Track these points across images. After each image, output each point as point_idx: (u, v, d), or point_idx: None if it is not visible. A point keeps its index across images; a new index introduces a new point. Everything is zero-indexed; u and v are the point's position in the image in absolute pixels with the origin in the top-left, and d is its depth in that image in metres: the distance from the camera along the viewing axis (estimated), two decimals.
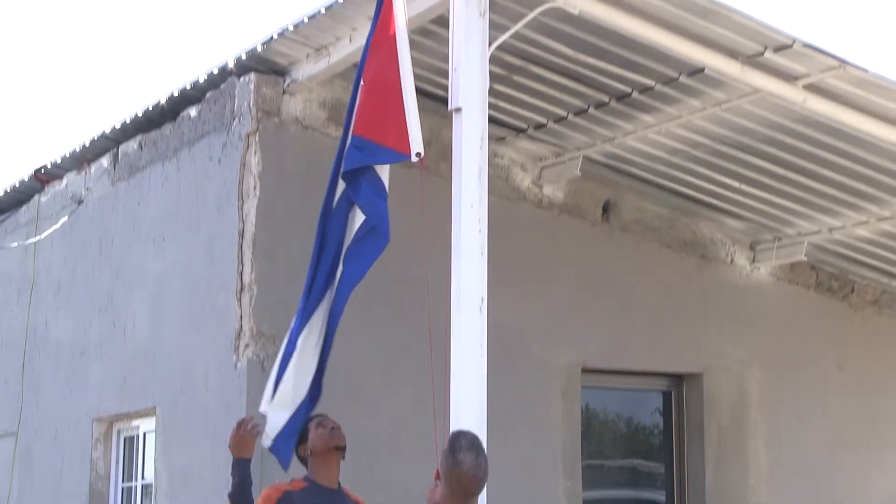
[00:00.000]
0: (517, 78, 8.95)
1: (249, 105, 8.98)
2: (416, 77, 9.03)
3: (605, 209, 10.52)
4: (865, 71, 8.15)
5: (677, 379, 11.07)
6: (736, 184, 10.14)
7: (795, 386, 11.34)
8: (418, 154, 6.98)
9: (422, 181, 7.09)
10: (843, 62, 8.08)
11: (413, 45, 8.54)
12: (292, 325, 7.16)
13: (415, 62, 8.79)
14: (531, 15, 7.71)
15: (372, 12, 7.68)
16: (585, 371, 10.27)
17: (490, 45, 7.30)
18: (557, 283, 10.20)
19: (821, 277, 11.67)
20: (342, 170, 7.17)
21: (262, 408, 7.04)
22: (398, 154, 7.06)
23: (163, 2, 25.31)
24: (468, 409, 6.64)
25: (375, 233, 7.05)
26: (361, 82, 7.29)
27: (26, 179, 11.97)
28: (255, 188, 8.94)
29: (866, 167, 9.54)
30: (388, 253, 7.03)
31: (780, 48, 8.04)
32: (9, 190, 12.32)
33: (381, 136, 7.14)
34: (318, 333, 7.12)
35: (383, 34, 7.31)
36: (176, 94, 9.71)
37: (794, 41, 7.93)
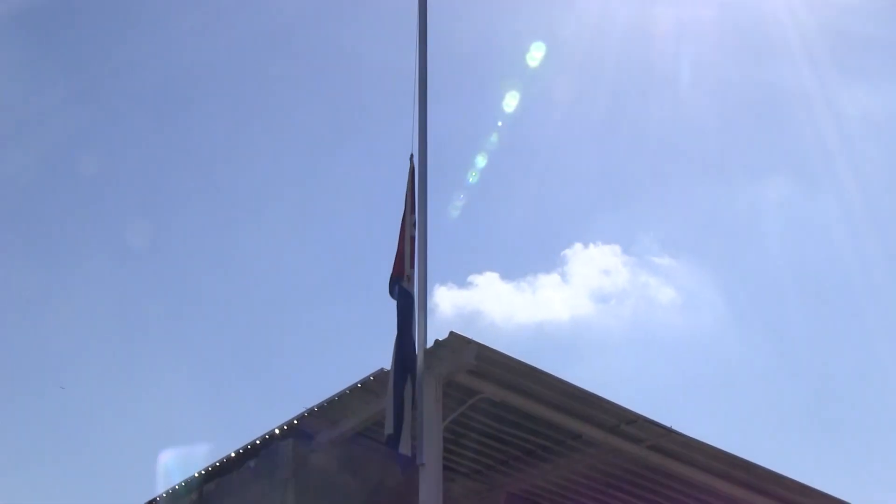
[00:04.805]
0: (462, 440, 8.80)
1: (288, 460, 8.77)
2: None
3: None
4: (684, 436, 8.13)
5: None
6: None
7: None
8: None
9: None
10: (669, 430, 8.07)
11: None
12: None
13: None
14: (469, 402, 7.70)
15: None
16: None
17: (443, 421, 7.23)
18: None
19: None
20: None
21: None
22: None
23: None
24: None
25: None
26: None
27: None
28: None
29: (692, 500, 9.30)
30: None
31: (629, 422, 8.02)
32: None
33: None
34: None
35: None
36: (242, 451, 9.51)
37: (639, 417, 7.93)
